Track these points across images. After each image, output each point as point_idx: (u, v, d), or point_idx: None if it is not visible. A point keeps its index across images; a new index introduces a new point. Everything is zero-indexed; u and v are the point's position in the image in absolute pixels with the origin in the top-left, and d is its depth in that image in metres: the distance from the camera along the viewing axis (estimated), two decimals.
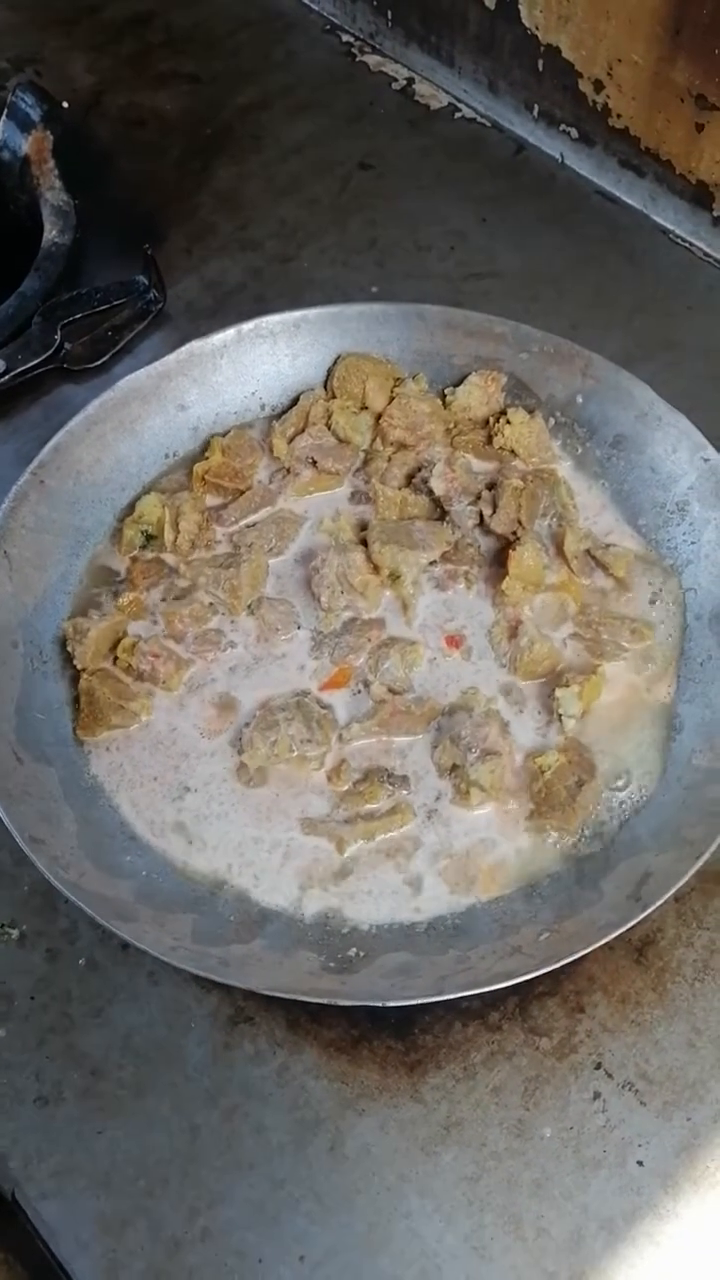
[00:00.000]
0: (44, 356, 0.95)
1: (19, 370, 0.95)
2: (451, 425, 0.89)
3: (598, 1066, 0.69)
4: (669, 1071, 0.68)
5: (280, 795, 0.76)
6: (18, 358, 0.95)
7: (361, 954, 0.69)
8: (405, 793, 0.75)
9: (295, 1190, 0.65)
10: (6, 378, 0.94)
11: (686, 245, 1.05)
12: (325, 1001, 0.66)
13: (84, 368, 0.97)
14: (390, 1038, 0.70)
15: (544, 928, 0.68)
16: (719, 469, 0.81)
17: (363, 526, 0.85)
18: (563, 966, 0.65)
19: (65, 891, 0.66)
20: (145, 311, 1.00)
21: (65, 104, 1.17)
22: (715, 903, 0.73)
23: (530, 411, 0.88)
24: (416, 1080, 0.68)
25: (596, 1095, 0.68)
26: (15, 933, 0.73)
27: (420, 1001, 0.66)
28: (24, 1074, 0.69)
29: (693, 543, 0.82)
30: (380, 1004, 0.65)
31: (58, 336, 0.96)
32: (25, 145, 1.10)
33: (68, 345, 0.97)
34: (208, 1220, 0.65)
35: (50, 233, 1.04)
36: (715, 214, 1.01)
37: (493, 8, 1.08)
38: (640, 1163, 0.66)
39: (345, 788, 0.75)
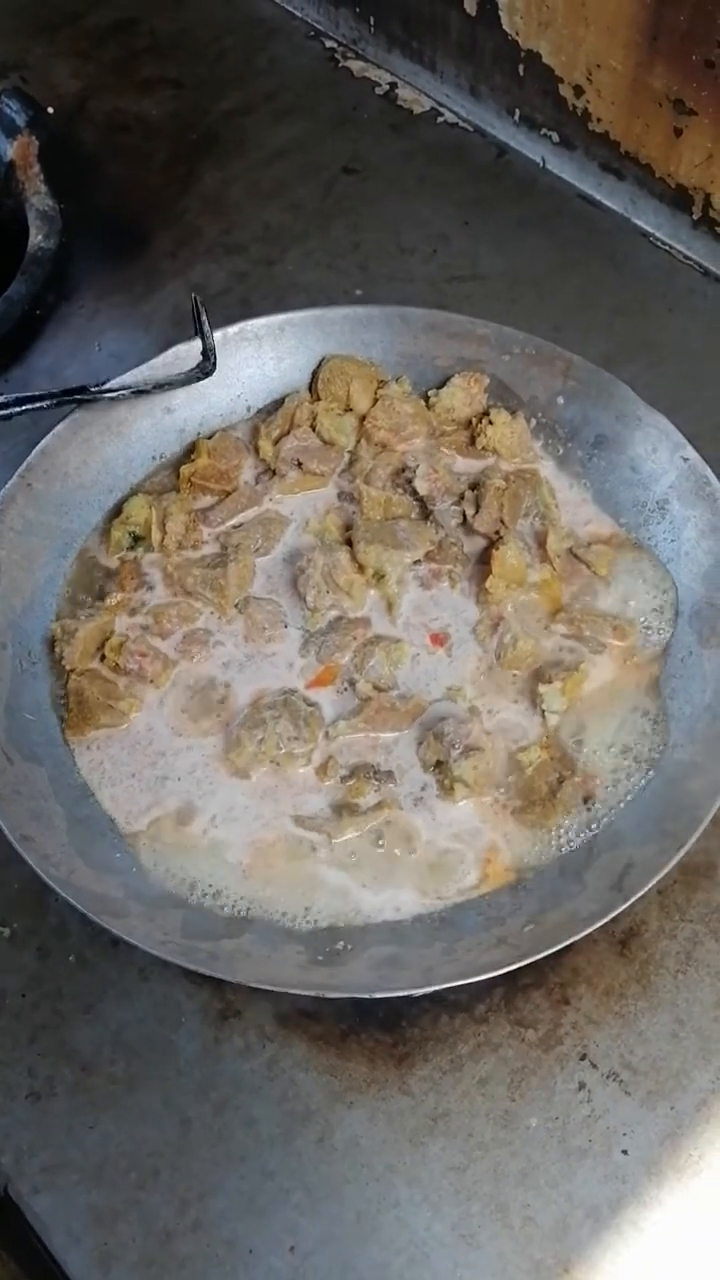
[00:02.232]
0: None
1: None
2: (435, 426, 0.90)
3: (583, 1057, 0.70)
4: (653, 1061, 0.69)
5: (277, 787, 0.77)
6: None
7: (349, 947, 0.70)
8: (392, 786, 0.76)
9: (285, 1181, 0.66)
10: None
11: (667, 248, 1.06)
12: (314, 994, 0.67)
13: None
14: (378, 1031, 0.70)
15: (528, 919, 0.69)
16: (698, 468, 0.82)
17: (348, 526, 0.86)
18: (547, 959, 0.66)
19: (56, 888, 0.67)
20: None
21: (50, 109, 1.18)
22: (698, 895, 0.74)
23: (512, 412, 0.89)
24: (404, 1072, 0.69)
25: (582, 1085, 0.69)
26: (6, 931, 0.74)
27: (408, 993, 0.67)
28: (16, 1070, 0.70)
29: (673, 540, 0.83)
30: (368, 995, 0.66)
31: None
32: (10, 150, 1.10)
33: None
34: (199, 1212, 0.65)
35: (36, 237, 1.05)
36: (695, 217, 1.03)
37: (473, 14, 1.09)
38: (625, 1151, 0.67)
39: (332, 783, 0.76)
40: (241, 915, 0.72)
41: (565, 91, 1.06)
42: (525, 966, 0.66)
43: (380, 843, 0.74)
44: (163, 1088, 0.69)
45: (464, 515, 0.86)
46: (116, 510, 0.87)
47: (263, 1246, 0.64)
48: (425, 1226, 0.65)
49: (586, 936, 0.66)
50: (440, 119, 1.18)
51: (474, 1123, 0.68)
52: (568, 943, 0.66)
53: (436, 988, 0.66)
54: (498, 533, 0.84)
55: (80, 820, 0.74)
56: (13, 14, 1.31)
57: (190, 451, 0.89)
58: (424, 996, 0.70)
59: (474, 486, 0.86)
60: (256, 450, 0.89)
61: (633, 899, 0.66)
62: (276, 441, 0.89)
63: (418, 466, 0.87)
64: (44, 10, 1.31)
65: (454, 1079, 0.69)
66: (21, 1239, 0.66)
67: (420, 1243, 0.64)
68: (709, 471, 0.81)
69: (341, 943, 0.70)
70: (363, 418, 0.90)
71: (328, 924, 0.71)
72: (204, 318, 0.87)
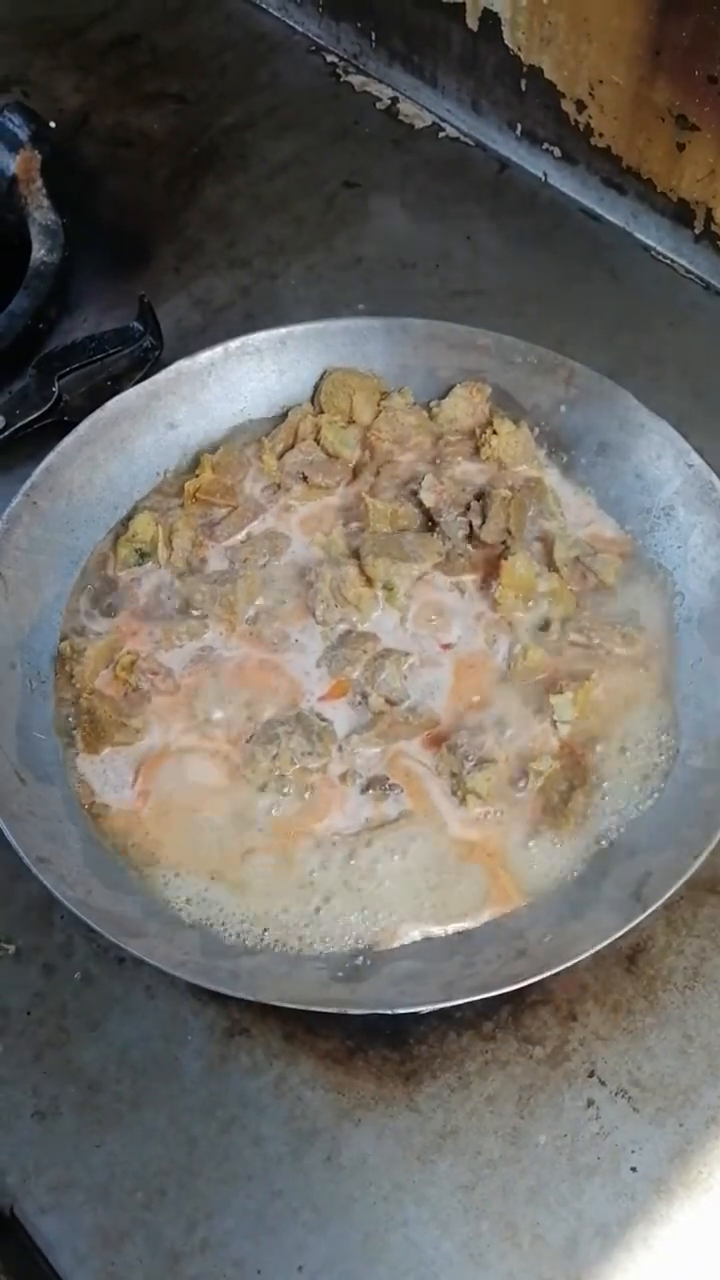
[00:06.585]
0: (43, 410, 0.92)
1: (18, 425, 0.92)
2: (439, 437, 0.90)
3: (591, 1074, 0.69)
4: (661, 1078, 0.69)
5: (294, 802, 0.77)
6: (15, 412, 0.92)
7: (369, 963, 0.70)
8: (406, 796, 0.75)
9: (293, 1200, 0.66)
10: (5, 433, 0.91)
11: (669, 262, 1.06)
12: (336, 1011, 0.67)
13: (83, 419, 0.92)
14: (386, 1048, 0.70)
15: (547, 930, 0.69)
16: (703, 473, 0.82)
17: (354, 539, 0.86)
18: (555, 976, 0.66)
19: (74, 910, 0.66)
20: (143, 359, 0.96)
21: (53, 124, 1.18)
22: (705, 910, 0.74)
23: (515, 422, 0.89)
24: (412, 1090, 0.69)
25: (590, 1103, 0.68)
26: (11, 948, 0.74)
27: (430, 1008, 0.67)
28: (21, 1089, 0.69)
29: (679, 547, 0.83)
30: (390, 1011, 0.65)
31: (55, 389, 0.93)
32: (13, 165, 1.10)
33: (66, 397, 0.93)
34: (206, 1231, 0.65)
35: (39, 252, 1.05)
36: (697, 231, 1.03)
37: (475, 29, 1.09)
38: (634, 1168, 0.66)
39: (352, 792, 0.76)
40: (259, 934, 0.71)
41: (567, 106, 1.06)
42: (533, 984, 0.65)
43: (397, 860, 0.73)
44: (169, 1106, 0.69)
45: (470, 526, 0.85)
46: (122, 527, 0.87)
47: (271, 1267, 0.64)
48: (434, 1245, 0.65)
49: (594, 953, 0.66)
50: (442, 134, 1.19)
51: (482, 1140, 0.67)
52: (589, 953, 0.65)
53: (458, 1001, 0.66)
54: (505, 543, 0.84)
55: (95, 841, 0.74)
56: (15, 29, 1.31)
57: (194, 466, 0.89)
58: (431, 1014, 0.70)
59: (480, 497, 0.86)
60: (261, 464, 0.89)
61: (652, 908, 0.66)
62: (280, 455, 0.89)
63: (423, 478, 0.87)
64: (46, 25, 1.31)
65: (462, 1096, 0.69)
66: (27, 1260, 0.66)
67: (429, 1262, 0.64)
68: (714, 477, 0.81)
69: (361, 958, 0.70)
70: (366, 430, 0.90)
71: (346, 943, 0.71)
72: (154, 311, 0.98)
